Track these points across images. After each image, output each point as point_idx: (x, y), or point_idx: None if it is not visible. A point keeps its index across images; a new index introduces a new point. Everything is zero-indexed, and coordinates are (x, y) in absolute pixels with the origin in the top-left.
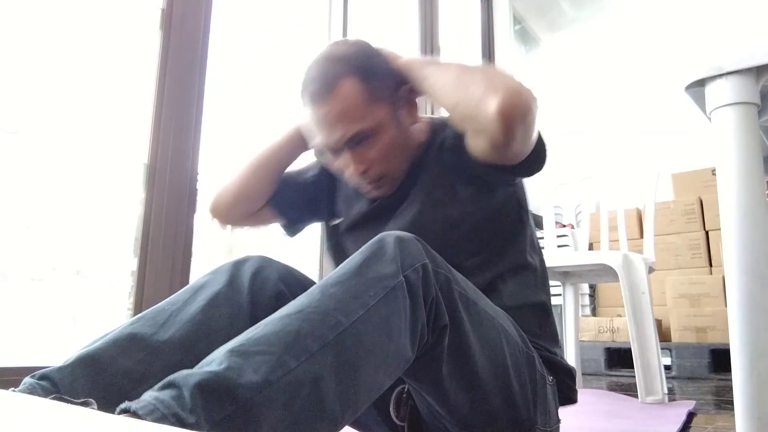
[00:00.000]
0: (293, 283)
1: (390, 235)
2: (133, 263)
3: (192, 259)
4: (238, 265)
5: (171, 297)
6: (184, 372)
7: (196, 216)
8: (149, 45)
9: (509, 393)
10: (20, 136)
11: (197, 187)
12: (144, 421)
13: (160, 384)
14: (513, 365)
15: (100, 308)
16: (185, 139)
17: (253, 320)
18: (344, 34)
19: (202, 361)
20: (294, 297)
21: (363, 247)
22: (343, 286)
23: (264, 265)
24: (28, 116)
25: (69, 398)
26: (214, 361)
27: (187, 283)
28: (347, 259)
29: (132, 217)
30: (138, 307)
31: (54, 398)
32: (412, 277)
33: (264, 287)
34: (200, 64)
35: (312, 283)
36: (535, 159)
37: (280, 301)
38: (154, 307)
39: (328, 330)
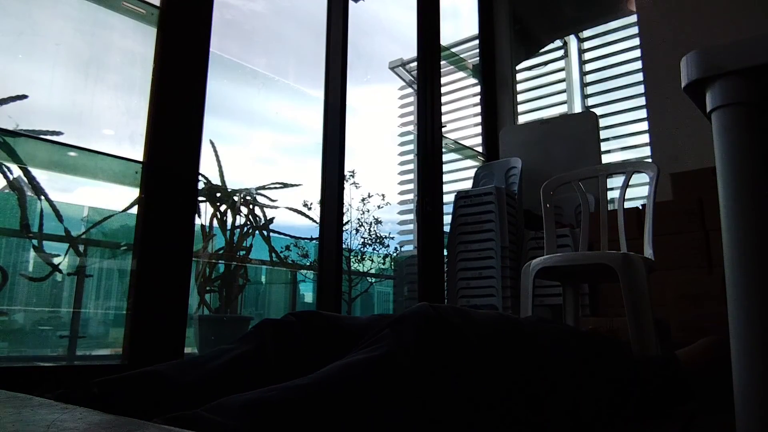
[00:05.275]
0: (326, 340)
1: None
2: (133, 263)
3: (192, 259)
4: (266, 327)
5: (201, 354)
6: (199, 413)
7: (195, 216)
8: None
9: None
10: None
11: (197, 187)
12: (143, 421)
13: (170, 416)
14: None
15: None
16: (185, 139)
17: (279, 374)
18: (344, 32)
19: (218, 403)
20: (323, 353)
21: (393, 340)
22: (358, 382)
23: (293, 324)
24: (27, 115)
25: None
26: (229, 414)
27: (188, 283)
28: (375, 346)
29: (131, 216)
30: (138, 307)
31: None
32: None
33: (292, 347)
34: (200, 63)
35: (358, 327)
36: None
37: (310, 356)
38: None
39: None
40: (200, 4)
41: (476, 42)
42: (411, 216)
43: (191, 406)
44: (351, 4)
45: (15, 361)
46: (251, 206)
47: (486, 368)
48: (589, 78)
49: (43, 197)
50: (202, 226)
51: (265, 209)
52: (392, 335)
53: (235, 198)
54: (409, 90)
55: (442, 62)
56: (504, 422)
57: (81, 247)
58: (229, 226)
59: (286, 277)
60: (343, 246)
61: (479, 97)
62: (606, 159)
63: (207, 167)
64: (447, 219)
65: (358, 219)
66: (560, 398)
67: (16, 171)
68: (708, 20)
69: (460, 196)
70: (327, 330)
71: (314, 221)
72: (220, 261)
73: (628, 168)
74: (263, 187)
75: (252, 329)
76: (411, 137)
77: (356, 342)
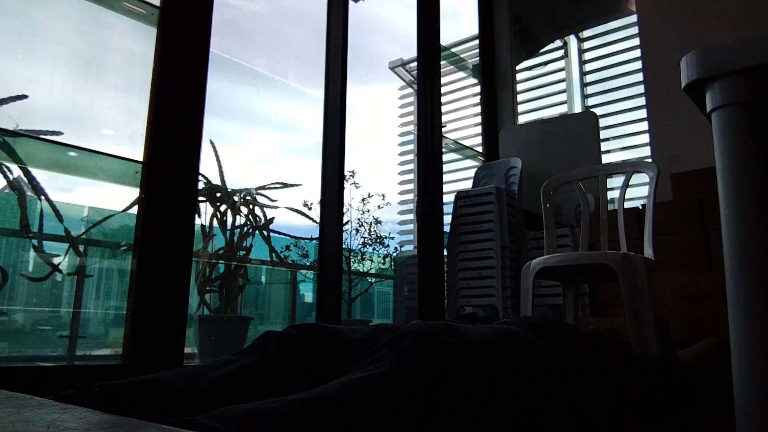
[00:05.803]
0: (327, 353)
1: (408, 356)
2: (133, 263)
3: (192, 259)
4: (269, 339)
5: (203, 363)
6: (199, 420)
7: (195, 216)
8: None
9: None
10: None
11: (197, 187)
12: (143, 421)
13: (169, 421)
14: None
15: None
16: (185, 139)
17: (282, 386)
18: (344, 32)
19: (218, 412)
20: (324, 366)
21: (396, 355)
22: (359, 396)
23: (295, 336)
24: (28, 115)
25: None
26: (229, 422)
27: (188, 283)
28: (375, 365)
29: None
30: (138, 307)
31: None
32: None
33: (294, 360)
34: (200, 63)
35: (357, 341)
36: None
37: (311, 369)
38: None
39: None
40: (200, 4)
41: (476, 42)
42: (411, 216)
43: (192, 415)
44: (351, 4)
45: (15, 361)
46: (251, 206)
47: (483, 382)
48: (589, 78)
49: (43, 197)
50: (202, 226)
51: (265, 209)
52: (391, 355)
53: (235, 198)
54: (409, 90)
55: (442, 62)
56: (505, 423)
57: (81, 247)
58: (229, 226)
59: (286, 277)
60: (343, 246)
61: (479, 97)
62: (606, 159)
63: (207, 167)
64: (447, 219)
65: (358, 219)
66: (561, 399)
67: (16, 171)
68: (708, 20)
69: (460, 196)
70: (327, 343)
71: (314, 221)
72: (220, 261)
73: (628, 168)
74: (263, 187)
75: (255, 341)
76: (411, 137)
77: (356, 355)
